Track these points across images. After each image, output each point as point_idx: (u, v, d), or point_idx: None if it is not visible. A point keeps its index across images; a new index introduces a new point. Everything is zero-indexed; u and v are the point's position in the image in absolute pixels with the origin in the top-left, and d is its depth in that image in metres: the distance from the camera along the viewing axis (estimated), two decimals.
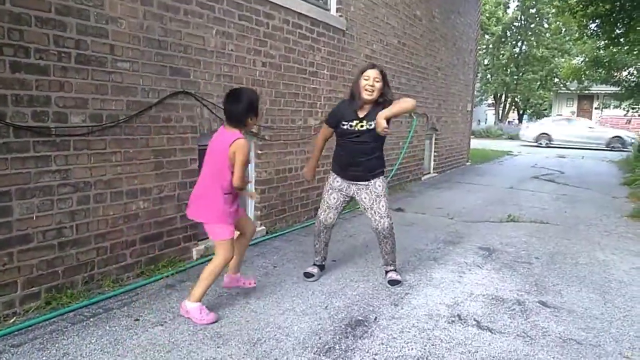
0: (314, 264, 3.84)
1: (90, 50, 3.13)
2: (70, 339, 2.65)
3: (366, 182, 3.58)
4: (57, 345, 2.59)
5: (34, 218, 2.91)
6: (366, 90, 3.45)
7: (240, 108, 2.92)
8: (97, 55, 3.17)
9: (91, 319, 2.90)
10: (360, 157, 3.52)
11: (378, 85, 3.46)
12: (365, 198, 3.60)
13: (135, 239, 3.57)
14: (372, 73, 3.46)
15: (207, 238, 4.29)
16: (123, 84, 3.36)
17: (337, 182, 3.67)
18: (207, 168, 2.98)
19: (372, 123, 3.44)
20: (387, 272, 3.76)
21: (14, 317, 2.83)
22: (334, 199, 3.68)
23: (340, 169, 3.64)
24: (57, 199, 3.03)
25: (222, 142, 2.89)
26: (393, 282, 3.66)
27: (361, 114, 3.51)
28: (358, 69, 3.65)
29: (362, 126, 3.50)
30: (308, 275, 3.73)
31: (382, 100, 3.50)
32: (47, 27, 2.88)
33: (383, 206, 3.57)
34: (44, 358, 2.46)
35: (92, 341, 2.65)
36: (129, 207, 3.49)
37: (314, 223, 3.95)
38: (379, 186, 3.58)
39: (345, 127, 3.53)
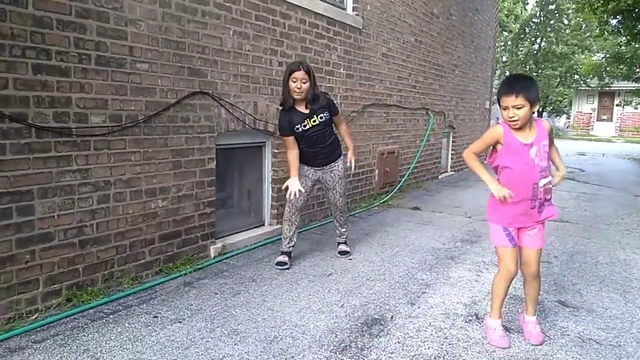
0: (283, 252, 4.01)
1: (109, 52, 3.18)
2: (90, 336, 2.70)
3: (330, 166, 4.04)
4: (77, 341, 2.64)
5: (55, 217, 2.97)
6: (295, 92, 3.76)
7: None
8: (116, 57, 3.22)
9: (111, 316, 2.95)
10: (321, 145, 3.92)
11: (305, 86, 3.76)
12: (329, 180, 4.08)
13: (154, 237, 3.61)
14: (299, 75, 3.73)
15: (225, 236, 4.36)
16: (142, 84, 3.41)
17: (304, 169, 4.02)
18: None
19: (322, 115, 3.87)
20: (339, 243, 4.35)
21: (36, 314, 2.90)
22: (303, 183, 3.96)
23: (307, 161, 4.00)
24: (78, 198, 3.09)
25: None
26: (343, 253, 4.27)
27: (305, 111, 3.86)
28: (286, 69, 3.85)
29: (314, 121, 3.86)
30: (281, 264, 3.93)
31: (313, 95, 3.85)
32: (67, 30, 2.94)
33: (342, 187, 4.14)
34: (64, 354, 2.51)
35: (112, 337, 2.69)
36: (147, 206, 3.54)
37: (331, 222, 4.39)
38: (341, 169, 4.10)
39: (299, 130, 3.84)
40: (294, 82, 3.72)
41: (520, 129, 2.56)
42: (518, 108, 2.48)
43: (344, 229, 4.32)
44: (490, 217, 2.76)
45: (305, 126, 3.83)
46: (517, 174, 2.59)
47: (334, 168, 4.05)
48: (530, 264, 2.72)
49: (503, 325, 2.81)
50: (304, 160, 3.97)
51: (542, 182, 2.57)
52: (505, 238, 2.68)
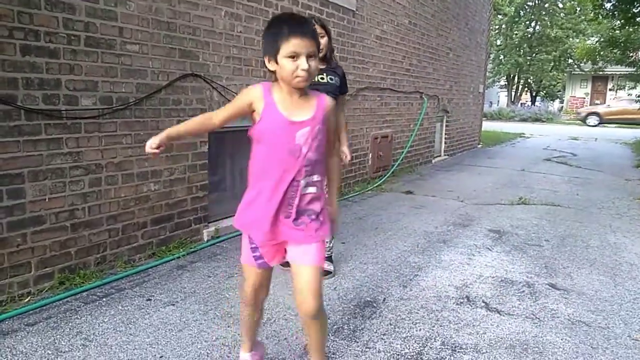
0: None
1: (99, 32, 3.13)
2: (83, 318, 2.70)
3: None
4: (70, 324, 2.64)
5: (47, 200, 2.95)
6: None
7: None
8: (106, 38, 3.18)
9: (104, 299, 2.96)
10: None
11: (323, 40, 3.33)
12: None
13: (146, 221, 3.60)
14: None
15: (218, 220, 4.35)
16: (132, 66, 3.36)
17: None
18: None
19: (332, 77, 3.37)
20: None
21: (29, 297, 2.89)
22: None
23: None
24: (69, 181, 3.07)
25: None
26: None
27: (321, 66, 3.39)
28: None
29: (321, 78, 3.33)
30: (285, 264, 3.40)
31: (330, 57, 3.44)
32: (56, 10, 2.88)
33: None
34: (57, 336, 2.51)
35: (105, 320, 2.69)
36: (140, 189, 3.52)
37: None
38: None
39: None
40: None
41: (298, 92, 1.78)
42: (311, 56, 1.72)
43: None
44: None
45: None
46: (272, 157, 1.79)
47: None
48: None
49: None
50: None
51: (304, 182, 1.80)
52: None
